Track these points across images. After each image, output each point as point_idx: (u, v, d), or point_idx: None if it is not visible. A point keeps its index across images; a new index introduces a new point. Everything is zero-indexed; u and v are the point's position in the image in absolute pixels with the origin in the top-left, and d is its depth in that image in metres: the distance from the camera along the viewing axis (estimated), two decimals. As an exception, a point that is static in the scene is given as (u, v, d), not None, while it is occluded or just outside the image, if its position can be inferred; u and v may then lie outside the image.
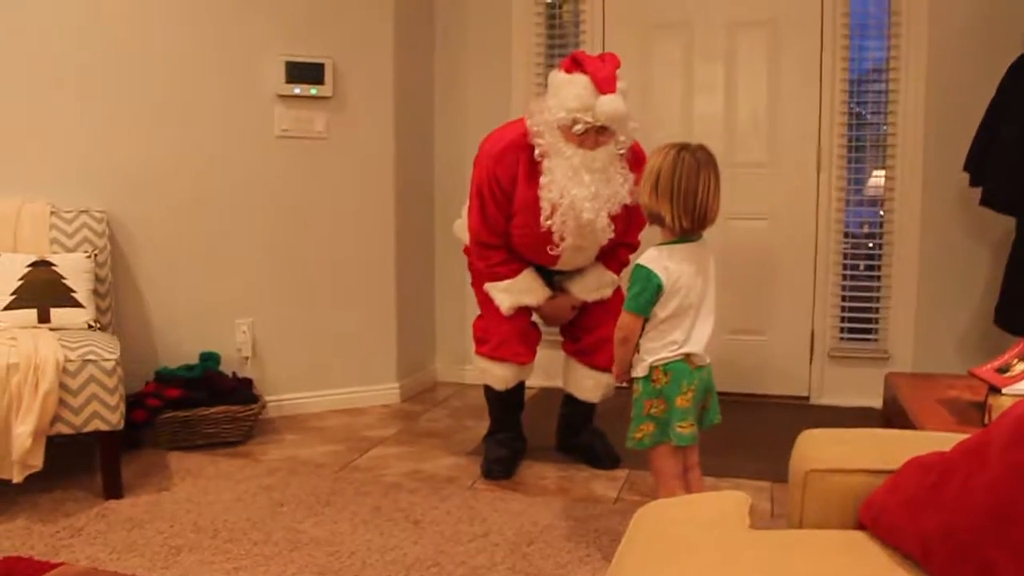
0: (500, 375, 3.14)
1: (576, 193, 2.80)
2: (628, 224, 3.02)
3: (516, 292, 3.08)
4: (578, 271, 3.17)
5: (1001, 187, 3.44)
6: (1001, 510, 1.07)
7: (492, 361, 3.14)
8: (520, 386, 3.27)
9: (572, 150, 2.81)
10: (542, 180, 2.87)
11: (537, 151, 2.89)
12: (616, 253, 3.16)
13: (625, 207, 2.88)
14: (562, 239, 2.90)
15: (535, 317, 3.22)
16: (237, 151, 3.76)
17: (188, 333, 3.71)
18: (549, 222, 2.88)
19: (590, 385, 3.19)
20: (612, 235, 2.92)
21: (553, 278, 3.20)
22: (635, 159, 2.93)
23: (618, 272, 3.17)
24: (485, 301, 3.17)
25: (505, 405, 3.29)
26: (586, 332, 3.20)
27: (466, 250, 3.25)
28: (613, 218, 2.88)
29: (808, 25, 4.04)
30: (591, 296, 3.16)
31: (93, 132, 3.50)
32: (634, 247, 3.22)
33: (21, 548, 2.49)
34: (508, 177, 2.95)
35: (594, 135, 2.81)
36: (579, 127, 2.78)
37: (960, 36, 3.84)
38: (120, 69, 3.53)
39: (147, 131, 3.59)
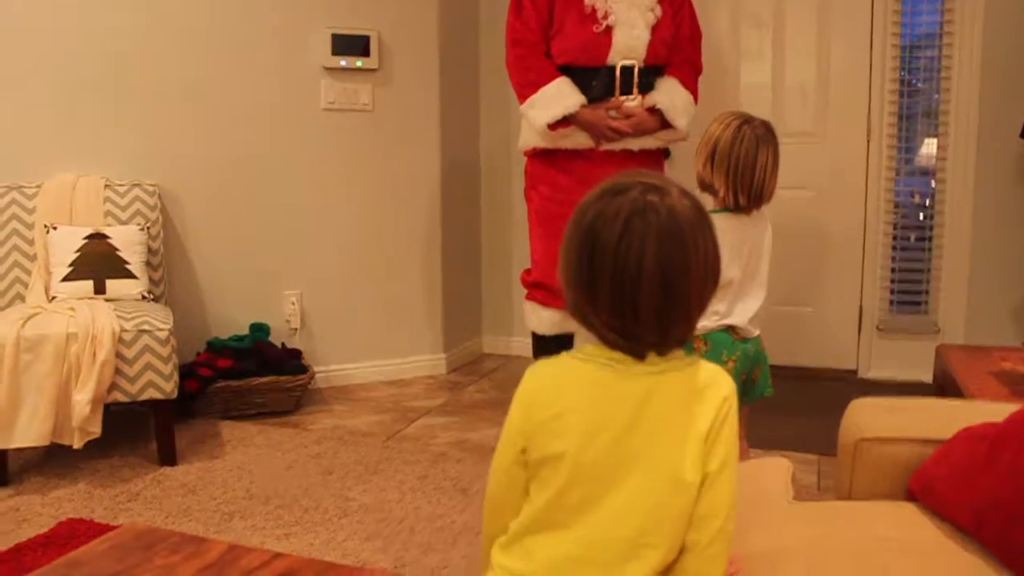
0: (547, 317, 3.22)
1: None
2: (680, 20, 3.16)
3: (549, 98, 3.07)
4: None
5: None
6: (1056, 480, 1.06)
7: (540, 306, 3.23)
8: (568, 343, 3.29)
9: None
10: None
11: None
12: (682, 69, 3.19)
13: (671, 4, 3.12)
14: (606, 16, 3.01)
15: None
16: (284, 123, 3.80)
17: (238, 304, 3.77)
18: None
19: None
20: (660, 14, 3.06)
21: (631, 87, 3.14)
22: None
23: (694, 92, 3.20)
24: (538, 246, 3.24)
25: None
26: None
27: (527, 153, 3.28)
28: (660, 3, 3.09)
29: (859, -10, 3.94)
30: (672, 109, 3.12)
31: (144, 106, 3.56)
32: (697, 66, 3.26)
33: (83, 511, 2.59)
34: None
35: None
36: None
37: (1019, 0, 3.72)
38: (169, 43, 3.57)
39: (195, 104, 3.64)
